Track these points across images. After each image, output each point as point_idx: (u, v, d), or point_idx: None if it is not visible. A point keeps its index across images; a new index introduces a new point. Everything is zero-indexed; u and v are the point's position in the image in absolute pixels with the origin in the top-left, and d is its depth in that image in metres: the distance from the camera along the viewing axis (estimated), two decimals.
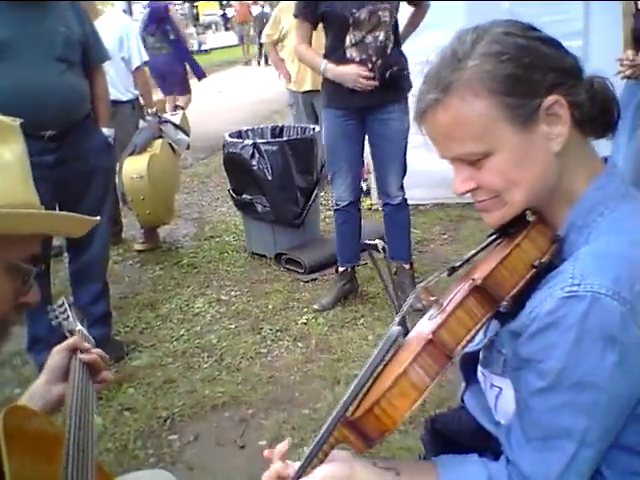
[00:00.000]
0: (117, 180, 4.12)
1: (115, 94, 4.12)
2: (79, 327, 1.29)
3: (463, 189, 0.95)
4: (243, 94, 12.08)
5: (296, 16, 3.14)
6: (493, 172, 0.91)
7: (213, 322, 3.29)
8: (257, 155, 3.74)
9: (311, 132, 4.10)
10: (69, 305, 1.37)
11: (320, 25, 3.16)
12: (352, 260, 3.39)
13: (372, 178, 4.82)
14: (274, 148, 3.79)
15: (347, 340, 2.97)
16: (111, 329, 3.09)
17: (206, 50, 19.91)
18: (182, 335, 3.17)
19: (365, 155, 4.80)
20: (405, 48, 4.26)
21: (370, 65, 2.96)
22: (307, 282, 3.65)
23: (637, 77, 2.73)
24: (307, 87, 5.15)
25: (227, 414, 2.54)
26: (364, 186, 5.04)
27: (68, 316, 1.33)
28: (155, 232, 4.46)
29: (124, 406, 2.62)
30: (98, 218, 1.04)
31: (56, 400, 1.15)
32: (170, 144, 4.09)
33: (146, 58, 4.37)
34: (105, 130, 2.87)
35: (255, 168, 3.75)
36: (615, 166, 0.98)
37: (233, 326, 3.23)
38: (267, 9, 15.34)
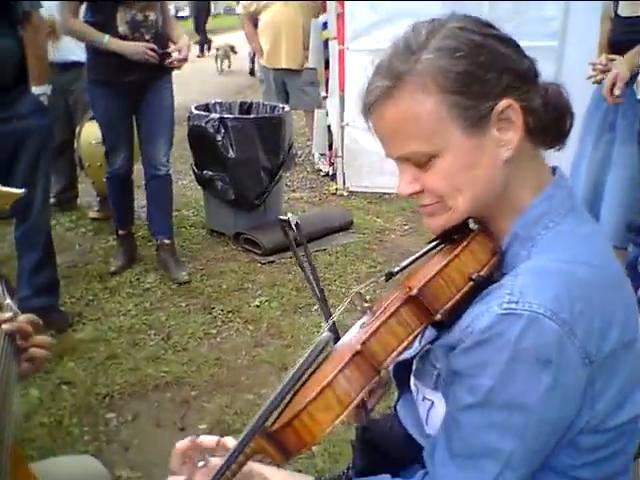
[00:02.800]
0: (75, 144, 3.98)
1: (80, 55, 3.95)
2: (8, 301, 1.20)
3: (407, 191, 0.89)
4: (215, 65, 11.85)
5: None
6: (438, 175, 0.86)
7: (163, 299, 3.20)
8: (222, 130, 3.63)
9: (280, 111, 4.01)
10: (0, 276, 1.28)
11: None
12: (129, 223, 3.58)
13: (339, 162, 4.77)
14: (240, 125, 3.69)
15: (299, 326, 2.92)
16: (57, 299, 2.97)
17: (183, 17, 19.42)
18: (130, 310, 3.08)
19: (334, 139, 4.78)
20: (380, 34, 4.20)
21: (144, 42, 3.08)
22: (264, 264, 3.58)
23: None
24: (280, 64, 5.05)
25: (169, 395, 2.47)
26: (330, 170, 4.99)
27: None
28: None
29: (63, 380, 2.53)
30: (19, 191, 0.93)
31: None
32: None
33: None
34: (34, 88, 2.67)
35: (219, 144, 3.64)
36: (563, 177, 0.93)
37: (184, 304, 3.15)
38: None
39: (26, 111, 2.63)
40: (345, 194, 4.77)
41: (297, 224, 0.96)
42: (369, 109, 0.87)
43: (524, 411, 0.78)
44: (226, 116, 3.77)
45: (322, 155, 5.30)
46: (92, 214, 4.24)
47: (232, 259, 3.66)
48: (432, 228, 0.92)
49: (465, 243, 0.87)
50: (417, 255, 0.99)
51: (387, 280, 0.97)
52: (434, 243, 0.97)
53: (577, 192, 2.81)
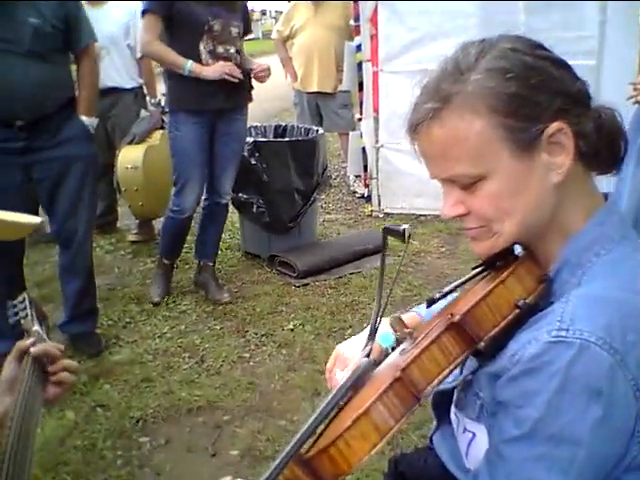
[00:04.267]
0: (115, 169, 4.06)
1: (119, 81, 4.06)
2: (36, 327, 1.22)
3: (452, 213, 0.87)
4: (255, 88, 12.02)
5: (147, 12, 3.03)
6: (485, 198, 0.84)
7: (198, 321, 3.22)
8: (257, 154, 3.67)
9: (314, 133, 4.03)
10: (30, 302, 1.29)
11: None
12: (177, 256, 3.60)
13: (374, 183, 4.76)
14: (274, 148, 3.72)
15: (332, 351, 2.88)
16: (94, 325, 3.02)
17: None
18: (165, 333, 3.11)
19: (368, 160, 4.76)
20: (414, 55, 4.19)
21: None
22: (298, 287, 3.57)
23: None
24: (313, 88, 5.09)
25: (201, 419, 2.47)
26: (365, 192, 4.97)
27: (27, 314, 1.26)
28: (150, 224, 4.40)
29: (98, 402, 2.56)
30: (35, 222, 0.93)
31: (5, 412, 1.08)
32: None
33: None
34: (84, 119, 2.73)
35: (254, 167, 3.68)
36: (615, 204, 0.90)
37: (218, 327, 3.16)
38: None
39: (72, 138, 2.69)
40: (380, 216, 4.74)
41: (410, 235, 0.93)
42: (415, 129, 0.85)
43: (572, 444, 0.75)
44: (260, 139, 3.81)
45: (357, 177, 5.29)
46: (131, 237, 4.31)
47: (267, 282, 3.67)
48: (478, 252, 0.90)
49: (511, 269, 0.84)
50: (461, 281, 0.96)
51: (428, 306, 0.95)
52: (479, 269, 0.94)
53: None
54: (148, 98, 4.29)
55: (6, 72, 2.45)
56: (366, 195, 4.97)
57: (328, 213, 4.93)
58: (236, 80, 3.06)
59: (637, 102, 2.64)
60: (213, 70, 3.03)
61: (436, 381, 0.80)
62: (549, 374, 0.75)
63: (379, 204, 4.79)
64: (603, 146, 0.86)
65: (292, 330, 3.11)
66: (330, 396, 0.81)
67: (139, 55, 4.16)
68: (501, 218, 0.84)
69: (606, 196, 0.90)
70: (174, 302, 3.42)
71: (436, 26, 4.15)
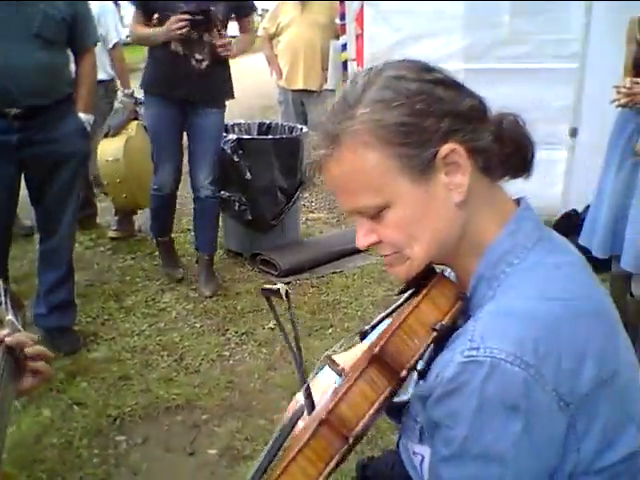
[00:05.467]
0: (90, 163, 4.01)
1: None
2: (10, 317, 1.18)
3: (365, 243, 0.89)
4: (239, 85, 11.95)
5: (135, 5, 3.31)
6: (392, 226, 0.85)
7: (178, 319, 3.19)
8: (240, 151, 3.64)
9: (298, 132, 4.01)
10: (5, 290, 1.26)
11: None
12: (167, 232, 3.72)
13: None
14: (257, 145, 3.70)
15: (312, 349, 2.86)
16: (72, 320, 2.98)
17: None
18: (144, 330, 3.07)
19: None
20: (399, 56, 4.15)
21: (194, 61, 3.16)
22: None
23: (632, 106, 2.66)
24: (298, 86, 5.07)
25: (180, 418, 2.44)
26: None
27: (1, 302, 1.23)
28: (130, 220, 4.34)
29: (74, 400, 2.53)
30: None
31: None
32: (145, 127, 3.96)
33: (123, 36, 4.27)
34: (82, 115, 2.73)
35: (237, 165, 3.64)
36: (528, 208, 0.90)
37: (198, 325, 3.13)
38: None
39: (68, 134, 2.67)
40: None
41: (287, 293, 0.93)
42: (317, 169, 0.87)
43: (499, 461, 0.75)
44: (244, 137, 3.78)
45: None
46: (111, 233, 4.26)
47: (248, 280, 3.64)
48: (398, 278, 0.92)
49: (425, 291, 0.85)
50: (390, 309, 0.96)
51: (362, 339, 0.95)
52: (408, 293, 0.94)
53: (600, 216, 2.75)
54: (121, 90, 4.23)
55: (10, 52, 2.42)
56: None
57: (311, 212, 4.91)
58: (183, 32, 3.05)
59: (620, 105, 2.65)
60: (161, 32, 3.11)
61: (367, 417, 0.80)
62: (467, 394, 0.75)
63: None
64: (511, 152, 0.87)
65: (273, 329, 3.09)
66: (269, 445, 0.83)
67: (110, 46, 4.11)
68: (410, 243, 0.86)
69: (518, 201, 0.91)
70: (154, 299, 3.39)
71: (422, 27, 4.15)
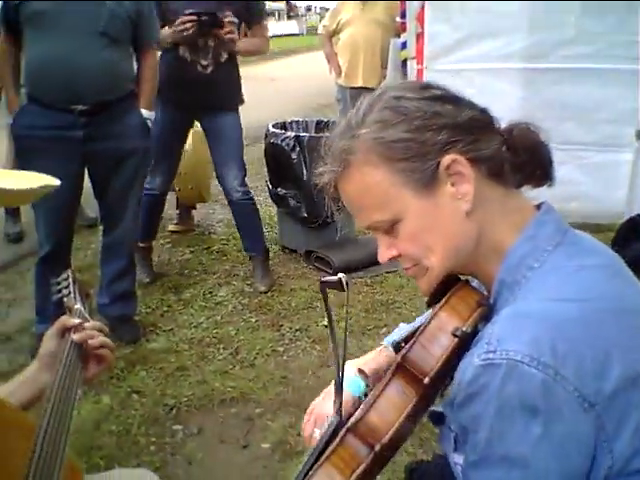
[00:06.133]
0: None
1: None
2: (78, 306, 1.23)
3: (386, 257, 0.93)
4: (297, 84, 12.04)
5: None
6: (406, 239, 0.89)
7: (234, 313, 3.25)
8: (297, 148, 3.67)
9: None
10: (73, 280, 1.31)
11: None
12: (152, 238, 3.71)
13: None
14: (315, 143, 3.70)
15: (366, 349, 2.83)
16: (133, 309, 3.07)
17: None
18: (201, 323, 3.14)
19: None
20: (460, 55, 4.12)
21: (200, 67, 3.21)
22: None
23: None
24: (357, 83, 5.07)
25: (234, 410, 2.48)
26: None
27: (70, 292, 1.28)
28: (190, 214, 4.45)
29: (133, 388, 2.60)
30: (40, 185, 0.91)
31: (45, 387, 1.09)
32: None
33: None
34: (145, 112, 2.80)
35: (294, 162, 3.68)
36: (549, 212, 0.90)
37: (253, 320, 3.17)
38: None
39: (131, 130, 2.75)
40: None
41: (347, 284, 0.94)
42: (329, 189, 0.92)
43: (521, 464, 0.75)
44: (301, 134, 3.80)
45: None
46: (171, 227, 4.37)
47: (302, 277, 3.67)
48: (422, 289, 0.94)
49: (445, 299, 0.86)
50: (420, 322, 0.96)
51: (396, 351, 0.97)
52: (438, 305, 0.93)
53: None
54: None
55: (77, 50, 2.50)
56: None
57: None
58: (189, 32, 3.08)
59: None
60: (168, 33, 3.13)
61: (397, 425, 0.80)
62: (486, 398, 0.76)
63: None
64: (525, 161, 0.89)
65: (326, 327, 3.11)
66: (306, 459, 0.84)
67: None
68: (426, 254, 0.89)
69: (539, 206, 0.91)
70: (211, 293, 3.46)
71: (483, 26, 4.06)
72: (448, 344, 0.82)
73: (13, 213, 4.21)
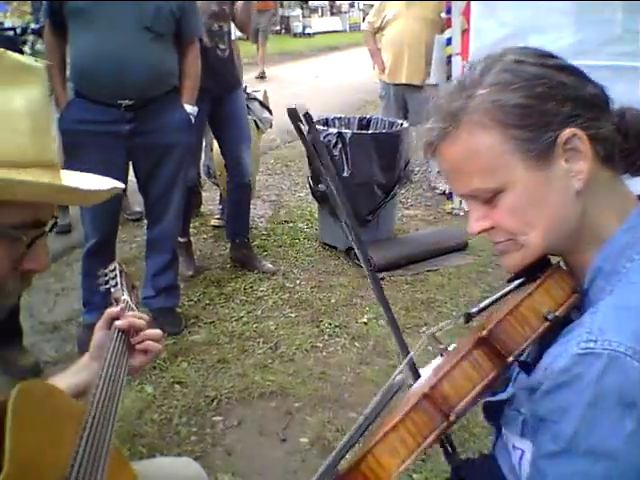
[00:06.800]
0: (203, 154, 4.18)
1: None
2: (125, 297, 1.26)
3: (478, 229, 0.88)
4: (339, 80, 12.03)
5: None
6: (506, 211, 0.84)
7: (274, 308, 3.28)
8: (340, 145, 3.67)
9: (398, 127, 3.99)
10: (120, 271, 1.34)
11: None
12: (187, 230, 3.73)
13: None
14: (357, 140, 3.71)
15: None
16: (176, 301, 3.13)
17: (309, 34, 19.96)
18: (242, 317, 3.17)
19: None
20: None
21: (219, 51, 3.33)
22: None
23: None
24: (401, 80, 5.04)
25: (273, 404, 2.51)
26: (447, 189, 4.88)
27: (117, 283, 1.31)
28: None
29: (176, 379, 2.65)
30: (109, 187, 0.94)
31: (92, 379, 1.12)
32: (255, 121, 4.08)
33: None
34: (188, 107, 2.84)
35: (336, 159, 3.68)
36: None
37: (293, 315, 3.20)
38: None
39: (174, 125, 2.79)
40: (461, 214, 4.64)
41: (307, 115, 0.92)
42: (430, 150, 0.87)
43: (608, 458, 0.72)
44: (344, 131, 3.81)
45: (439, 173, 5.20)
46: (214, 221, 4.43)
47: (342, 273, 3.68)
48: (509, 266, 0.89)
49: (540, 281, 0.83)
50: (498, 295, 0.95)
51: (466, 322, 0.94)
52: (518, 281, 0.92)
53: None
54: None
55: (124, 45, 2.55)
56: (447, 192, 4.88)
57: (407, 208, 4.88)
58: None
59: None
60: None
61: (469, 397, 0.79)
62: (580, 387, 0.73)
63: (460, 202, 4.69)
64: (632, 148, 0.84)
65: (366, 323, 3.11)
66: (366, 413, 0.82)
67: None
68: (525, 230, 0.84)
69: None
70: (251, 288, 3.49)
71: (530, 22, 4.00)
72: (538, 326, 0.81)
73: (62, 206, 4.33)
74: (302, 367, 2.74)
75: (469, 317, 0.93)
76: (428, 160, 5.61)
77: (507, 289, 0.93)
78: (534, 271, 0.87)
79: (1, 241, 0.78)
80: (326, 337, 3.00)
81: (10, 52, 0.79)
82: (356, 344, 2.93)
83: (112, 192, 0.92)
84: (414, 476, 2.07)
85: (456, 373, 0.80)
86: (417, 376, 0.95)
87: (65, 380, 1.12)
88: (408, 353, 0.94)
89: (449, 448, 1.02)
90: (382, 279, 3.56)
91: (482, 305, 0.94)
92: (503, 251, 0.88)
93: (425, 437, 0.77)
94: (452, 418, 0.78)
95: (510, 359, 0.80)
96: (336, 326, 3.08)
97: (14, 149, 0.76)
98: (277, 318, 3.17)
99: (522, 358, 0.85)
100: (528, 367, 0.84)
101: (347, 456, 0.85)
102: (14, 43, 4.02)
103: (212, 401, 2.52)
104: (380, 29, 5.16)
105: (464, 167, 0.84)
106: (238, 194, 3.65)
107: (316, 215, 4.34)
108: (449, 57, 4.55)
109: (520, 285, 0.91)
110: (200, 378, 2.66)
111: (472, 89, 0.83)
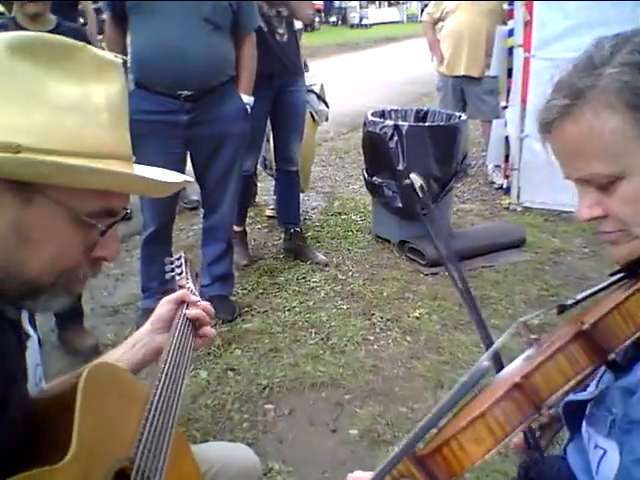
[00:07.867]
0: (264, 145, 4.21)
1: None
2: (189, 285, 1.30)
3: (588, 215, 0.83)
4: (396, 72, 11.92)
5: None
6: (623, 200, 0.79)
7: (326, 299, 3.29)
8: (396, 138, 3.64)
9: (456, 119, 3.93)
10: (185, 260, 1.38)
11: None
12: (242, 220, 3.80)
13: (515, 175, 4.56)
14: (414, 132, 3.67)
15: (458, 343, 2.84)
16: (230, 290, 3.18)
17: (366, 25, 19.85)
18: (294, 307, 3.20)
19: (511, 150, 4.57)
20: (570, 43, 3.95)
21: (278, 36, 3.33)
22: (427, 275, 3.53)
23: None
24: (460, 72, 4.96)
25: (324, 394, 2.53)
26: (504, 183, 4.79)
27: (182, 271, 1.35)
28: None
29: (229, 366, 2.70)
30: (180, 180, 0.97)
31: (156, 350, 1.15)
32: (311, 113, 4.09)
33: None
34: (244, 97, 2.87)
35: (392, 151, 3.66)
36: None
37: (345, 307, 3.20)
38: None
39: (231, 115, 2.83)
40: (519, 209, 4.55)
41: (422, 187, 0.91)
42: (547, 128, 0.82)
43: None
44: (400, 123, 3.77)
45: (497, 167, 5.10)
46: (268, 212, 4.48)
47: (395, 267, 3.66)
48: (617, 257, 0.84)
49: None
50: (597, 288, 0.90)
51: (559, 313, 0.90)
52: (617, 276, 0.88)
53: None
54: None
55: (183, 37, 2.60)
56: (505, 186, 4.78)
57: (463, 203, 4.81)
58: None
59: None
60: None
61: (560, 392, 0.75)
62: None
63: (518, 197, 4.60)
64: None
65: (418, 318, 3.09)
66: (449, 394, 0.79)
67: None
68: None
69: None
70: (304, 278, 3.52)
71: (595, 14, 3.87)
72: None
73: None
74: (353, 359, 2.75)
75: (563, 308, 0.90)
76: (484, 153, 5.53)
77: (607, 282, 0.89)
78: (636, 265, 0.83)
79: (77, 228, 0.81)
80: (377, 330, 2.99)
81: (90, 46, 0.82)
82: (407, 338, 2.91)
83: (182, 185, 0.95)
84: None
85: (550, 365, 0.76)
86: (500, 365, 0.92)
87: (119, 354, 1.14)
88: (491, 344, 0.90)
89: (532, 442, 0.99)
90: (435, 274, 3.53)
91: (579, 297, 0.90)
92: (612, 241, 0.84)
93: (514, 427, 0.75)
94: (543, 410, 0.75)
95: (611, 356, 0.76)
96: (387, 319, 3.07)
97: (94, 141, 0.79)
98: (329, 309, 3.18)
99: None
100: (618, 367, 0.80)
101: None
102: (80, 34, 4.15)
103: (264, 389, 2.55)
104: (440, 20, 5.09)
105: (584, 149, 0.79)
106: (287, 181, 3.71)
107: (369, 207, 4.33)
108: (510, 49, 4.44)
109: (618, 281, 0.88)
110: (253, 366, 2.70)
111: (601, 67, 0.78)
